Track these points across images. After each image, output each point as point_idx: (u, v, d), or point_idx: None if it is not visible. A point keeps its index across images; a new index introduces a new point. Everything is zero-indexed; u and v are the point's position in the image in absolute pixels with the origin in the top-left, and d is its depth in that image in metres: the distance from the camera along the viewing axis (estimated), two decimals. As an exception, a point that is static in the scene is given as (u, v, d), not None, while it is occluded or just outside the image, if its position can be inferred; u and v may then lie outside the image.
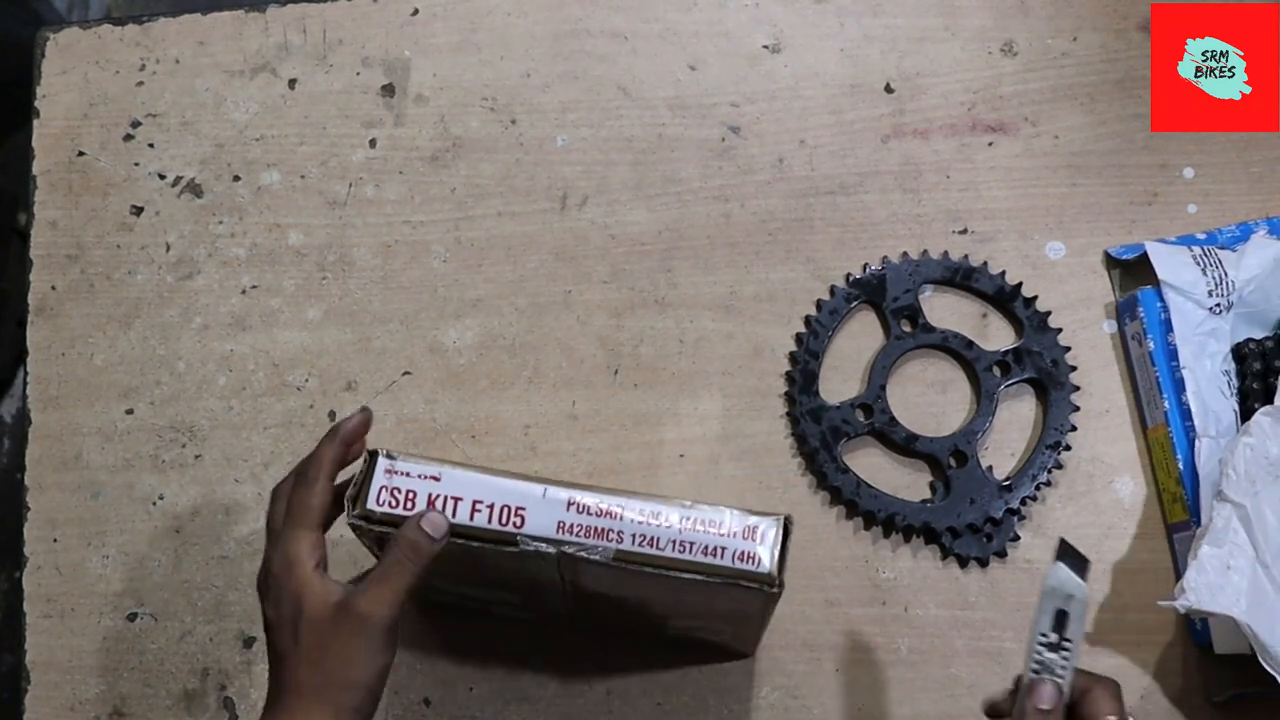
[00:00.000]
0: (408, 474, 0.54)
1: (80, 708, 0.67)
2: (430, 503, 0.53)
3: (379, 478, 0.53)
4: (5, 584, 1.38)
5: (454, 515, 0.53)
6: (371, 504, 0.53)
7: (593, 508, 0.53)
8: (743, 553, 0.52)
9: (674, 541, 0.52)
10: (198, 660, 0.68)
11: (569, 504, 0.53)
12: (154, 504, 0.70)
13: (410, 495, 0.54)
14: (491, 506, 0.53)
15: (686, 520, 0.52)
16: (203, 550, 0.69)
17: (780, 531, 0.53)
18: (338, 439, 0.55)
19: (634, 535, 0.52)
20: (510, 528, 0.53)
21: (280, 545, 0.52)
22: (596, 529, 0.53)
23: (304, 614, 0.50)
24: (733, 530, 0.52)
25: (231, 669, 0.67)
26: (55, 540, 0.69)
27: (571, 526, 0.53)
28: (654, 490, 0.68)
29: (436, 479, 0.54)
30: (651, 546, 0.52)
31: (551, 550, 0.52)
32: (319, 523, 0.53)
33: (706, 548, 0.52)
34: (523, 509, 0.53)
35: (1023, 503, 0.67)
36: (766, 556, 0.52)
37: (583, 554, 0.52)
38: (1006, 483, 0.67)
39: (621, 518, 0.53)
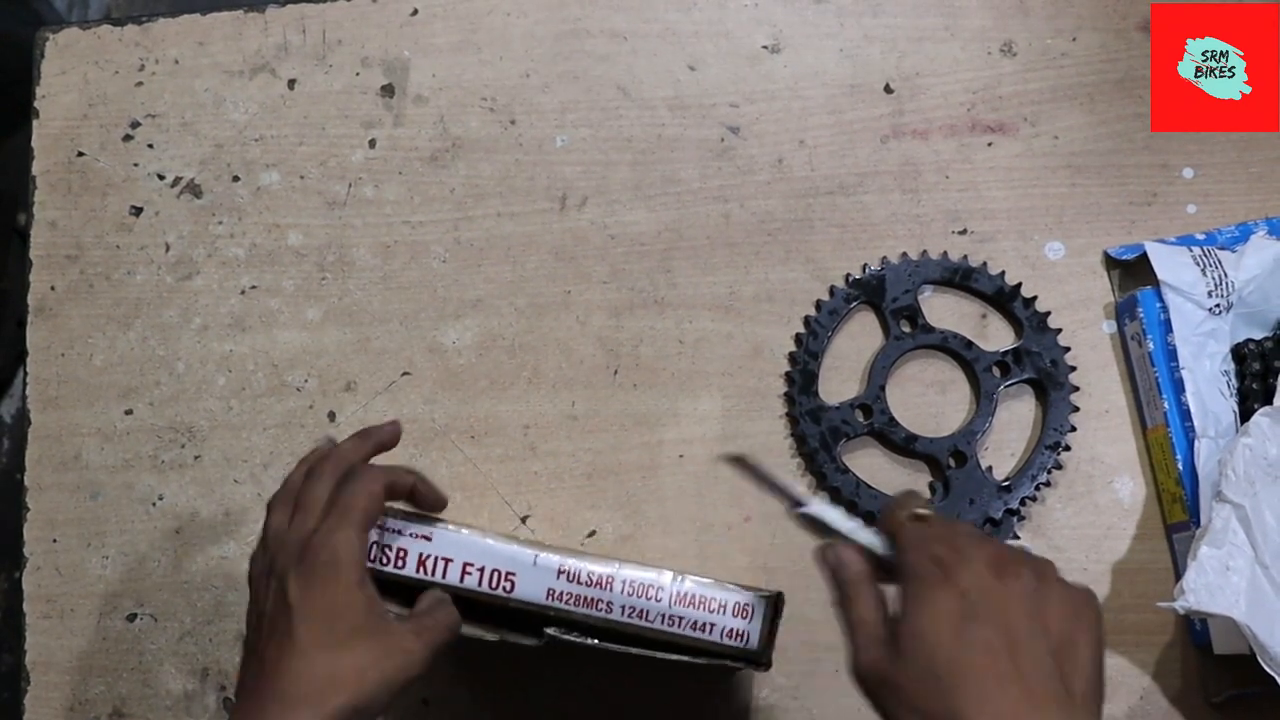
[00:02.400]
0: (399, 532, 0.54)
1: (80, 708, 0.67)
2: (421, 563, 0.54)
3: (370, 534, 0.52)
4: (5, 584, 1.38)
5: (444, 576, 0.54)
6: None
7: (583, 576, 0.53)
8: (732, 630, 0.53)
9: (663, 615, 0.53)
10: (198, 660, 0.68)
11: (559, 572, 0.53)
12: (154, 504, 0.70)
13: (401, 553, 0.54)
14: (482, 570, 0.54)
15: (678, 594, 0.53)
16: (203, 550, 0.69)
17: (769, 609, 0.53)
18: (370, 442, 0.54)
19: (623, 607, 0.52)
20: (500, 592, 0.53)
21: (329, 543, 0.48)
22: (586, 598, 0.53)
23: (348, 622, 0.47)
24: (723, 606, 0.53)
25: (231, 669, 0.67)
26: (55, 540, 0.69)
27: (561, 594, 0.53)
28: (654, 490, 0.68)
29: (428, 539, 0.54)
30: (641, 619, 0.53)
31: (538, 641, 0.53)
32: (365, 525, 0.49)
33: (695, 623, 0.53)
34: (513, 574, 0.54)
35: (1022, 503, 0.67)
36: (756, 635, 0.53)
37: (569, 637, 0.53)
38: (1006, 483, 0.67)
39: (611, 588, 0.53)
